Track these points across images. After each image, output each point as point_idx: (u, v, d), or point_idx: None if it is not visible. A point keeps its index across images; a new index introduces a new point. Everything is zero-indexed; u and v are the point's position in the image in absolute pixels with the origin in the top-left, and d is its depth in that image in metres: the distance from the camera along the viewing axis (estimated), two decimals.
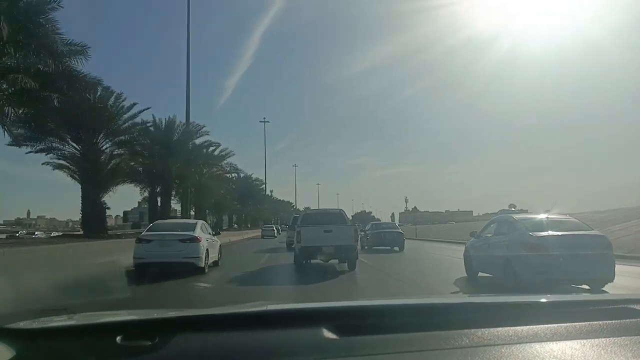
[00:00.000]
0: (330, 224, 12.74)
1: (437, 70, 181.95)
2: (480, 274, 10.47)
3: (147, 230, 13.01)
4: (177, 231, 12.32)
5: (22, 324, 1.41)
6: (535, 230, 8.70)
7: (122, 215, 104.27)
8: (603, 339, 1.33)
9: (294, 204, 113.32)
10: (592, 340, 1.32)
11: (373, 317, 1.52)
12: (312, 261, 13.17)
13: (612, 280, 8.31)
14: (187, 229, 12.56)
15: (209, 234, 13.80)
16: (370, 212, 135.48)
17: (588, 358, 1.25)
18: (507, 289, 8.63)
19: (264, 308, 1.75)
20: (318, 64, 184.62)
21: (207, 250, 12.29)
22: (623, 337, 1.34)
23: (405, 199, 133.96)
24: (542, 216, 9.50)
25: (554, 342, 1.31)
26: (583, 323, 1.42)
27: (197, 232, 12.27)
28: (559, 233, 8.53)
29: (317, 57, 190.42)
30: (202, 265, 11.80)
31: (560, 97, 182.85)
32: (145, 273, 10.98)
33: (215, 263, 13.69)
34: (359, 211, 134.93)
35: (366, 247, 21.73)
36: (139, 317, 1.63)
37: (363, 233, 22.69)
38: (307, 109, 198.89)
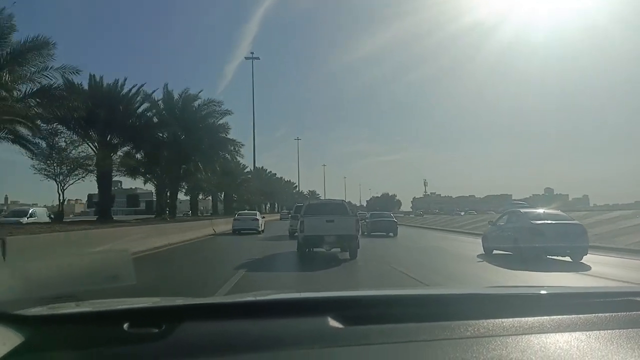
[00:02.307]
0: (333, 214, 13.27)
1: (452, 50, 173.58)
2: (494, 252, 13.92)
3: (238, 215, 28.32)
4: (249, 215, 28.10)
5: (31, 311, 1.42)
6: (535, 220, 12.62)
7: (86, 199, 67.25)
8: (608, 331, 1.32)
9: (297, 185, 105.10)
10: (598, 332, 1.32)
11: (378, 307, 1.52)
12: (315, 249, 13.60)
13: (586, 254, 11.93)
14: (253, 215, 28.34)
15: (261, 217, 29.12)
16: (395, 196, 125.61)
17: (593, 349, 1.24)
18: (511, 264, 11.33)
19: (269, 297, 1.81)
20: (321, 49, 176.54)
21: (261, 224, 27.52)
22: (629, 329, 1.34)
23: (425, 182, 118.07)
24: (541, 210, 14.11)
25: (559, 334, 1.31)
26: (588, 315, 1.41)
27: (257, 216, 28.08)
28: (552, 222, 12.44)
29: (320, 43, 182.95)
30: (260, 230, 26.63)
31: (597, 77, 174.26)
32: (237, 233, 25.63)
33: (263, 231, 27.32)
34: (378, 195, 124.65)
35: (365, 233, 24.05)
36: (146, 305, 1.65)
37: (364, 222, 24.91)
38: (309, 95, 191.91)
